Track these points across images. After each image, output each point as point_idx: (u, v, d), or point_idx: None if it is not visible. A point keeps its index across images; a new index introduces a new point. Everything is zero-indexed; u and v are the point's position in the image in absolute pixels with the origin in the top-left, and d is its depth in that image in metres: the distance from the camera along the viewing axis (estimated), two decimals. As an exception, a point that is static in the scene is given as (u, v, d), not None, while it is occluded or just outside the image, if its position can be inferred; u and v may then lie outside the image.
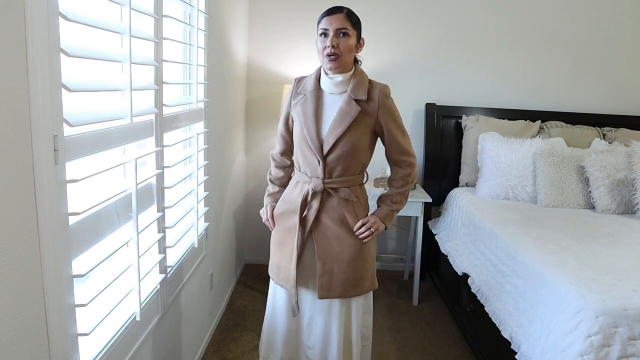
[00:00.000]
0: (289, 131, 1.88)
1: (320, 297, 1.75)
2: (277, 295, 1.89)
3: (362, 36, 1.74)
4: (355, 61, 1.77)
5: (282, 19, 3.36)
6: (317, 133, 1.70)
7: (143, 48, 1.55)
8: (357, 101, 1.69)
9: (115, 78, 1.35)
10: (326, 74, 1.73)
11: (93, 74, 1.29)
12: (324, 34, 1.66)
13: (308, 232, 1.75)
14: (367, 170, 1.83)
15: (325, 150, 1.70)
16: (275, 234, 1.86)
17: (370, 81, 1.75)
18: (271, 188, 1.95)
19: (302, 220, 1.75)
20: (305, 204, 1.75)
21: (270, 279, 1.91)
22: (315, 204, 1.74)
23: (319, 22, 1.69)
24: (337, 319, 1.79)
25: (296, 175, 1.83)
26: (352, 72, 1.73)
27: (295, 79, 1.85)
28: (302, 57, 3.39)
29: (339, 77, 1.70)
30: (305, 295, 1.82)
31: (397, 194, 1.81)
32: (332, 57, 1.65)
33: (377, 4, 3.34)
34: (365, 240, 1.75)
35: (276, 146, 1.95)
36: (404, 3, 3.35)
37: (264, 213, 1.91)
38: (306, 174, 1.76)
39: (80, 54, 1.08)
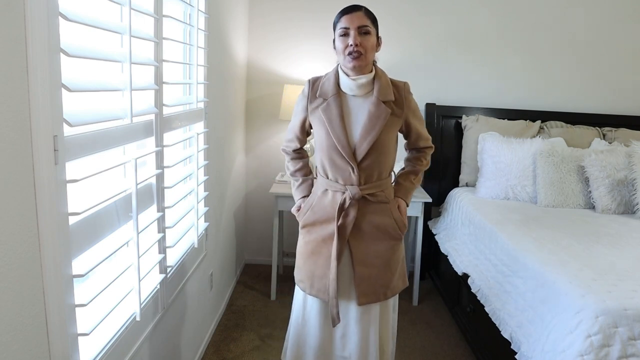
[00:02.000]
0: (305, 134, 1.85)
1: (361, 304, 1.72)
2: (308, 307, 1.82)
3: (379, 35, 1.72)
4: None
5: (282, 19, 3.36)
6: (347, 140, 1.66)
7: (143, 48, 1.55)
8: (385, 103, 1.66)
9: (115, 78, 1.35)
10: (347, 75, 1.68)
11: (93, 74, 1.29)
12: (345, 33, 1.62)
13: (346, 240, 1.72)
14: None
15: (360, 157, 1.66)
16: (307, 244, 1.80)
17: (391, 80, 1.73)
18: (296, 181, 1.89)
19: (339, 229, 1.70)
20: (341, 212, 1.70)
21: (297, 290, 1.86)
22: (352, 212, 1.70)
23: (336, 22, 1.65)
24: (375, 324, 1.77)
25: (323, 183, 1.77)
26: (374, 72, 1.69)
27: (309, 80, 1.78)
28: (302, 57, 3.39)
29: (363, 79, 1.66)
30: (340, 305, 1.77)
31: (416, 173, 1.85)
32: (355, 54, 1.60)
33: (377, 4, 3.34)
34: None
35: (289, 144, 1.90)
36: (404, 3, 3.35)
37: (296, 208, 1.85)
38: (337, 182, 1.72)
39: (80, 54, 1.08)
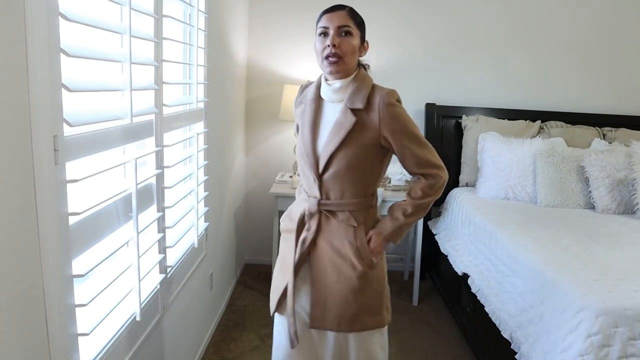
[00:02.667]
0: None
1: (312, 327, 1.55)
2: (277, 328, 1.66)
3: (366, 39, 1.55)
4: (362, 66, 1.57)
5: (282, 19, 3.36)
6: (313, 148, 1.50)
7: (143, 48, 1.55)
8: (353, 111, 1.46)
9: (115, 78, 1.35)
10: (326, 80, 1.53)
11: (93, 74, 1.29)
12: (324, 33, 1.45)
13: (306, 255, 1.55)
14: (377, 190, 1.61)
15: (321, 167, 1.49)
16: (280, 254, 1.66)
17: (374, 87, 1.51)
18: None
19: (303, 242, 1.55)
20: (302, 224, 1.56)
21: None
22: (313, 226, 1.54)
23: (317, 22, 1.49)
24: (330, 356, 1.57)
25: (301, 190, 1.66)
26: (352, 76, 1.50)
27: (301, 86, 1.66)
28: (302, 57, 3.39)
29: (337, 83, 1.49)
30: (312, 331, 1.58)
31: (412, 205, 1.51)
32: (332, 58, 1.44)
33: (377, 4, 3.34)
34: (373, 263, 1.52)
35: None
36: (404, 3, 3.35)
37: None
38: (306, 191, 1.58)
39: (80, 54, 1.08)
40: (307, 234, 1.55)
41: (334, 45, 1.43)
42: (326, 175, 1.49)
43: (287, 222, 1.64)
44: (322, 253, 1.54)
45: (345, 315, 1.52)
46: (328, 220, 1.53)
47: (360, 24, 1.51)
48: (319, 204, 1.52)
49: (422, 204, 1.51)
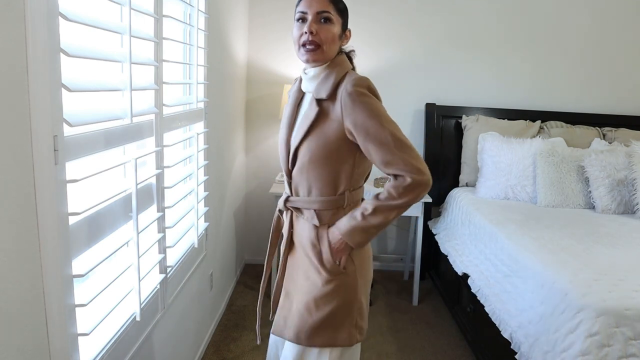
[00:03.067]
0: None
1: (272, 332, 1.48)
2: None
3: (348, 27, 1.43)
4: (344, 54, 1.44)
5: (282, 19, 3.36)
6: (286, 142, 1.42)
7: (143, 48, 1.55)
8: (318, 101, 1.35)
9: (115, 78, 1.35)
10: (304, 70, 1.42)
11: (93, 74, 1.29)
12: (302, 18, 1.34)
13: (287, 254, 1.49)
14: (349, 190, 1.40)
15: (290, 162, 1.41)
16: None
17: (346, 74, 1.35)
18: None
19: (284, 240, 1.50)
20: (279, 220, 1.53)
21: None
22: (286, 224, 1.48)
23: (296, 5, 1.37)
24: None
25: None
26: (326, 64, 1.38)
27: (295, 79, 1.56)
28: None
29: (311, 72, 1.38)
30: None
31: (373, 206, 1.32)
32: (309, 46, 1.32)
33: (377, 4, 3.34)
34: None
35: None
36: (404, 3, 3.35)
37: None
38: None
39: (80, 54, 1.08)
40: (284, 230, 1.50)
41: (311, 33, 1.31)
42: (294, 171, 1.40)
43: None
44: (295, 253, 1.46)
45: (305, 326, 1.37)
46: (297, 219, 1.44)
47: (342, 10, 1.38)
48: (286, 200, 1.44)
49: (384, 205, 1.31)
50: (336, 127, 1.32)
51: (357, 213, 1.34)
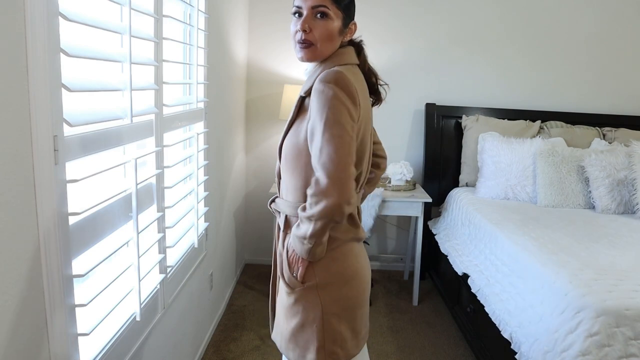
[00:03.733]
0: None
1: (272, 337, 1.44)
2: None
3: (354, 20, 1.31)
4: (354, 45, 1.34)
5: (282, 19, 3.36)
6: (282, 141, 1.34)
7: (143, 48, 1.55)
8: (302, 98, 1.29)
9: (115, 78, 1.35)
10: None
11: (93, 74, 1.29)
12: (297, 12, 1.26)
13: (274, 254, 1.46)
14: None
15: (278, 161, 1.36)
16: None
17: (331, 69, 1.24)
18: None
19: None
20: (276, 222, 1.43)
21: None
22: (279, 225, 1.38)
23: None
24: None
25: None
26: (321, 60, 1.30)
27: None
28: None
29: (309, 67, 1.34)
30: None
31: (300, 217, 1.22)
32: (300, 45, 1.24)
33: (378, 4, 3.34)
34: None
35: None
36: (404, 3, 3.35)
37: None
38: None
39: (80, 54, 1.08)
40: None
41: (303, 30, 1.22)
42: (281, 171, 1.34)
43: None
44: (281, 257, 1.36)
45: (282, 334, 1.34)
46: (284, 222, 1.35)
47: (344, 4, 1.26)
48: (272, 201, 1.38)
49: (301, 215, 1.20)
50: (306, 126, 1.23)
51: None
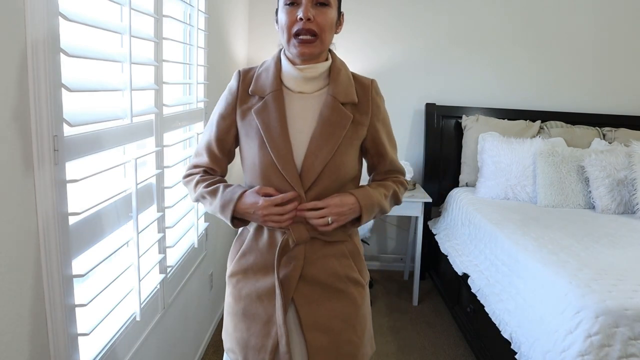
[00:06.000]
0: (226, 152, 1.27)
1: None
2: None
3: (342, 11, 1.21)
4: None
5: (282, 19, 3.35)
6: (292, 156, 1.15)
7: (143, 48, 1.55)
8: (344, 105, 1.18)
9: (115, 78, 1.35)
10: (293, 63, 1.18)
11: (93, 74, 1.29)
12: (293, 1, 1.11)
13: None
14: None
15: (309, 181, 1.15)
16: (237, 302, 1.26)
17: (353, 75, 1.24)
18: (217, 188, 1.23)
19: (282, 283, 1.19)
20: (281, 260, 1.20)
21: None
22: (298, 258, 1.19)
23: None
24: None
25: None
26: (330, 62, 1.20)
27: (239, 71, 1.24)
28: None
29: (314, 70, 1.17)
30: None
31: (380, 184, 1.26)
32: (305, 36, 1.11)
33: (378, 3, 3.34)
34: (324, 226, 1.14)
35: (197, 167, 1.28)
36: (404, 3, 3.35)
37: (254, 203, 1.17)
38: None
39: (80, 54, 1.08)
40: (290, 270, 1.24)
41: (307, 19, 1.09)
42: (315, 190, 1.16)
43: (245, 260, 1.35)
44: (313, 287, 1.25)
45: (356, 353, 1.27)
46: (318, 244, 1.24)
47: None
48: (309, 228, 1.19)
49: (390, 186, 1.31)
50: (361, 132, 1.21)
51: (371, 186, 1.25)
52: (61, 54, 1.01)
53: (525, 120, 3.32)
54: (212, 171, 1.28)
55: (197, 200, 1.26)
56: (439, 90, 3.45)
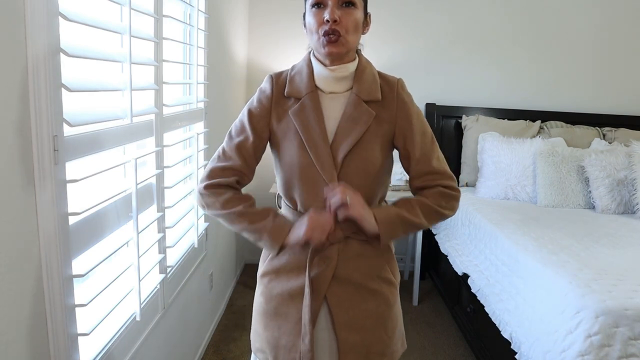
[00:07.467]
0: (259, 152, 1.31)
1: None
2: None
3: (368, 11, 1.23)
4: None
5: (282, 19, 3.36)
6: (331, 156, 1.18)
7: (143, 48, 1.55)
8: (368, 103, 1.20)
9: (115, 78, 1.35)
10: (323, 64, 1.21)
11: (93, 74, 1.29)
12: (319, 3, 1.14)
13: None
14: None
15: (342, 179, 1.19)
16: (268, 301, 1.27)
17: (379, 74, 1.26)
18: (253, 209, 1.27)
19: (312, 282, 1.20)
20: (314, 259, 1.21)
21: None
22: (331, 258, 1.21)
23: None
24: None
25: (289, 217, 1.29)
26: (357, 62, 1.23)
27: (271, 75, 1.27)
28: (302, 57, 3.39)
29: (344, 70, 1.20)
30: None
31: (415, 201, 1.25)
32: (331, 36, 1.13)
33: (378, 3, 3.34)
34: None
35: (223, 173, 1.27)
36: (404, 3, 3.35)
37: (297, 235, 1.18)
38: (302, 210, 1.24)
39: (80, 54, 1.08)
40: (323, 269, 1.25)
41: (334, 21, 1.12)
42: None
43: (278, 260, 1.34)
44: (346, 287, 1.27)
45: (385, 350, 1.28)
46: (352, 243, 1.25)
47: None
48: (344, 227, 1.21)
49: (425, 203, 1.27)
50: (387, 130, 1.22)
51: (396, 207, 1.24)
52: (61, 54, 1.01)
53: (525, 120, 3.32)
54: (241, 174, 1.28)
55: (226, 215, 1.24)
56: (439, 90, 3.45)
